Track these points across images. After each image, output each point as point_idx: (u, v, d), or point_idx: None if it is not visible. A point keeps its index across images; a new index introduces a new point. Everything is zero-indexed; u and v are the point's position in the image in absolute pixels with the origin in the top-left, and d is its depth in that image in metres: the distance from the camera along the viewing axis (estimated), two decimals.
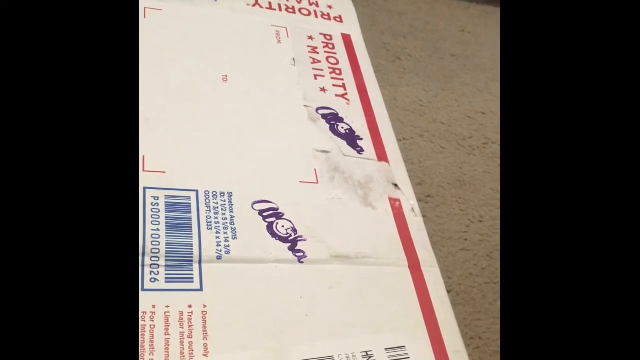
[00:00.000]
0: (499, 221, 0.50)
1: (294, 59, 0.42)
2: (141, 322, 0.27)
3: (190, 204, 0.31)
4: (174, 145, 0.33)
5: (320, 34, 0.45)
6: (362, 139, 0.39)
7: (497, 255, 0.48)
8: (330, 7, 0.47)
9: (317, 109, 0.39)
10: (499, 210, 0.51)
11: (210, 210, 0.31)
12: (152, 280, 0.28)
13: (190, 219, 0.31)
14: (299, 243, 0.32)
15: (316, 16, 0.46)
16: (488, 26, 0.69)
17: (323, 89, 0.41)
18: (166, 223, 0.30)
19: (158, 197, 0.31)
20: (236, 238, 0.31)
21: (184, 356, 0.26)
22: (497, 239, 0.49)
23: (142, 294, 0.27)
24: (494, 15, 0.71)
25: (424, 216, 0.37)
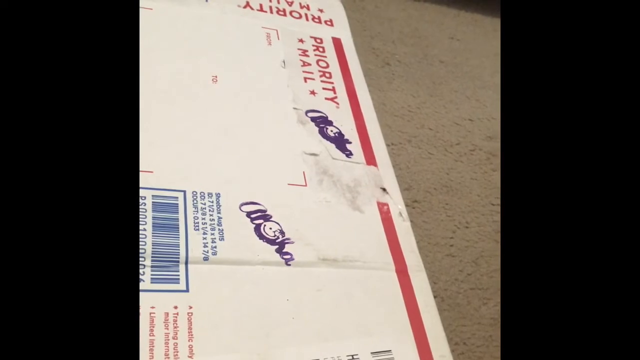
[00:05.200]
0: (485, 227, 0.50)
1: (284, 62, 0.42)
2: None
3: (177, 204, 0.31)
4: (162, 145, 0.33)
5: (311, 37, 0.45)
6: (350, 143, 0.39)
7: (483, 261, 0.48)
8: (321, 10, 0.47)
9: (307, 112, 0.39)
10: (485, 216, 0.51)
11: (197, 211, 0.31)
12: None
13: (177, 219, 0.30)
14: (286, 245, 0.32)
15: (307, 19, 0.46)
16: (477, 34, 0.70)
17: (313, 92, 0.41)
18: (153, 223, 0.30)
19: (145, 197, 0.30)
20: (223, 239, 0.31)
21: (168, 357, 0.26)
22: (483, 245, 0.49)
23: None
24: (483, 23, 0.72)
25: (410, 221, 0.37)
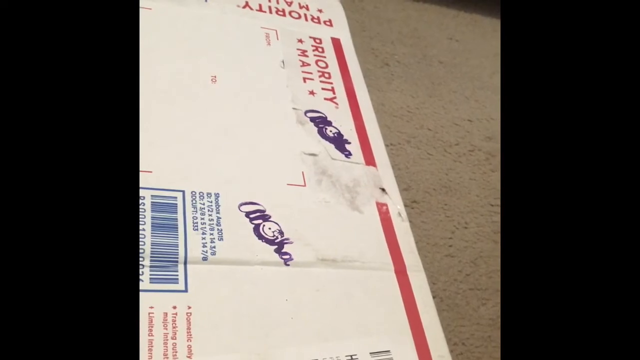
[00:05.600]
0: (484, 228, 0.50)
1: (283, 62, 0.42)
2: None
3: (176, 204, 0.31)
4: (161, 145, 0.33)
5: (310, 37, 0.45)
6: (350, 143, 0.39)
7: (482, 262, 0.48)
8: (320, 10, 0.47)
9: (306, 112, 0.39)
10: (484, 217, 0.51)
11: (196, 211, 0.31)
12: None
13: (176, 219, 0.30)
14: (285, 245, 0.32)
15: (306, 19, 0.46)
16: (476, 34, 0.70)
17: (312, 92, 0.41)
18: (152, 223, 0.30)
19: (144, 197, 0.30)
20: (222, 239, 0.31)
21: (167, 357, 0.26)
22: (481, 245, 0.49)
23: None
24: (482, 23, 0.72)
25: (409, 221, 0.37)
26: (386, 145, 0.41)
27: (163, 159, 0.32)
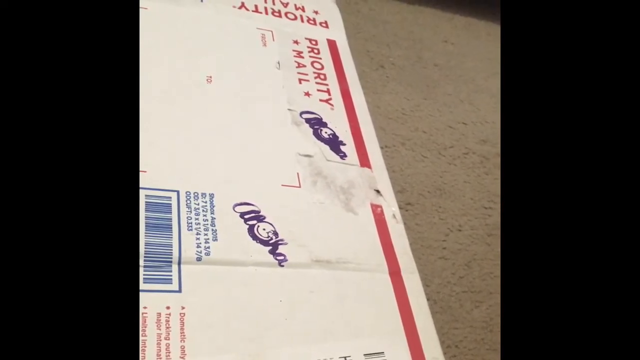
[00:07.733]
0: (478, 230, 0.50)
1: (279, 63, 0.42)
2: None
3: (170, 204, 0.31)
4: (156, 145, 0.33)
5: (306, 38, 0.45)
6: (345, 145, 0.39)
7: (475, 264, 0.48)
8: (316, 12, 0.47)
9: (301, 113, 0.39)
10: (478, 219, 0.51)
11: (191, 211, 0.31)
12: None
13: (171, 219, 0.30)
14: (279, 246, 0.32)
15: (302, 21, 0.46)
16: (471, 37, 0.70)
17: (307, 94, 0.41)
18: (146, 223, 0.30)
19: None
20: (216, 240, 0.31)
21: (160, 358, 0.26)
22: (475, 248, 0.49)
23: None
24: (478, 26, 0.72)
25: (404, 223, 0.37)
26: (381, 147, 0.41)
27: (157, 159, 0.32)
